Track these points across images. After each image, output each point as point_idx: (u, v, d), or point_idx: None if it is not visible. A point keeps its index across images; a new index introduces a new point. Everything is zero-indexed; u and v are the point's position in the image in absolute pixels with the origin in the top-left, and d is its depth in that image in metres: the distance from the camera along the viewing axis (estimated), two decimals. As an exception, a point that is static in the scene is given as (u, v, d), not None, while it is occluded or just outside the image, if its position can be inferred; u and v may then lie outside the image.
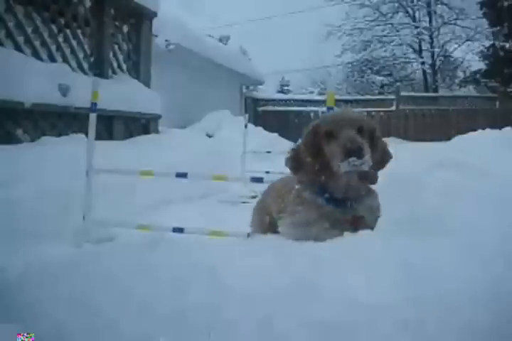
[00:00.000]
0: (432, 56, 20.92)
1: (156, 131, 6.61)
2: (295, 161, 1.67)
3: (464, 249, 1.28)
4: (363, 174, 1.56)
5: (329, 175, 1.57)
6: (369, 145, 1.54)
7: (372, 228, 1.60)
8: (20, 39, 4.51)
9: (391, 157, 1.69)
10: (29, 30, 4.60)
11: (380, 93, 21.87)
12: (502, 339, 1.07)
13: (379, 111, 14.95)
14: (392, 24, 20.93)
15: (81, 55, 5.39)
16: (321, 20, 20.22)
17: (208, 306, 1.10)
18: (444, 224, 1.46)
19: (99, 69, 5.62)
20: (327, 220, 1.58)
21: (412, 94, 17.15)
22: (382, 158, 1.66)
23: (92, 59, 5.60)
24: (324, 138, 1.57)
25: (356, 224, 1.58)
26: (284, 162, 1.69)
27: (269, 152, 6.99)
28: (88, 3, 5.48)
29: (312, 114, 14.94)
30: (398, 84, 21.46)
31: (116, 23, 6.08)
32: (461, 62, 21.53)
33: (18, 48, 4.45)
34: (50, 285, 1.26)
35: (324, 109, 2.55)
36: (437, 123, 14.21)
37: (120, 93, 5.40)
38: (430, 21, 20.60)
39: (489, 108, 14.15)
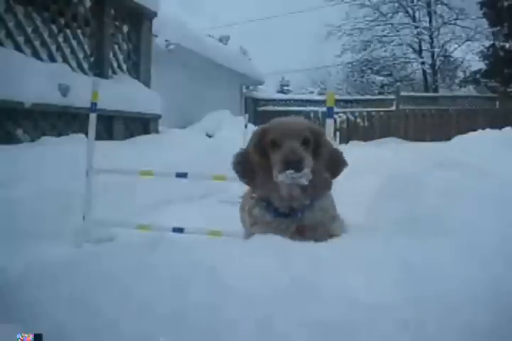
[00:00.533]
0: (432, 56, 20.92)
1: (156, 131, 6.61)
2: (241, 166, 1.65)
3: (464, 249, 1.28)
4: (309, 183, 1.53)
5: (273, 182, 1.56)
6: (315, 156, 1.55)
7: (325, 232, 1.59)
8: (20, 39, 4.52)
9: (345, 164, 1.66)
10: (29, 30, 4.60)
11: (380, 93, 21.87)
12: (502, 339, 1.07)
13: (379, 111, 14.95)
14: (392, 24, 20.93)
15: (81, 55, 5.39)
16: (321, 20, 20.24)
17: (208, 306, 1.10)
18: (444, 224, 1.46)
19: (99, 69, 5.62)
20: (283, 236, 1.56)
21: (412, 94, 17.15)
22: (334, 166, 1.63)
23: (92, 59, 5.60)
24: (269, 146, 1.57)
25: (302, 233, 1.58)
26: (232, 166, 1.68)
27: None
28: (88, 3, 5.48)
29: (312, 114, 14.93)
30: (398, 84, 21.47)
31: (116, 23, 6.08)
32: (461, 62, 21.53)
33: (18, 48, 4.45)
34: (50, 285, 1.26)
35: (324, 109, 2.55)
36: (437, 123, 14.21)
37: (120, 93, 5.41)
38: (430, 21, 20.60)
39: (489, 108, 14.15)
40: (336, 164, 1.64)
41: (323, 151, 1.60)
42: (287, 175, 1.46)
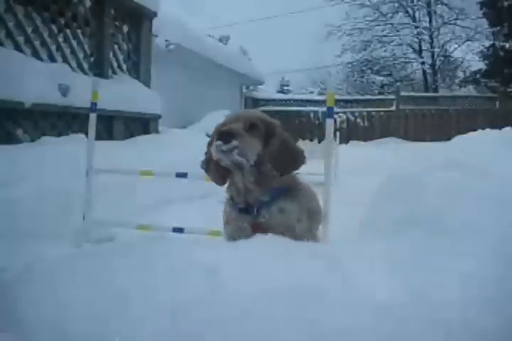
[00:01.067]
0: (432, 56, 20.93)
1: (156, 131, 6.60)
2: (206, 163, 1.68)
3: (464, 249, 1.28)
4: (259, 175, 1.55)
5: (231, 175, 1.59)
6: (266, 146, 1.54)
7: (284, 231, 1.54)
8: (20, 39, 4.51)
9: (301, 160, 1.63)
10: (29, 30, 4.60)
11: (380, 93, 21.87)
12: (502, 339, 1.07)
13: (379, 111, 14.95)
14: (392, 24, 20.95)
15: (81, 55, 5.39)
16: (321, 20, 20.28)
17: (207, 306, 1.10)
18: (444, 224, 1.46)
19: (99, 69, 5.62)
20: (243, 233, 1.56)
21: (412, 94, 17.15)
22: (289, 160, 1.59)
23: (92, 59, 5.60)
24: None
25: (257, 230, 1.55)
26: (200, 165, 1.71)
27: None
28: (88, 3, 5.48)
29: (312, 114, 14.93)
30: (398, 84, 21.47)
31: (116, 23, 6.08)
32: (461, 62, 21.54)
33: (18, 48, 4.45)
34: (50, 285, 1.26)
35: (324, 109, 2.55)
36: (437, 123, 14.21)
37: (120, 93, 5.40)
38: (430, 21, 20.62)
39: (489, 108, 14.15)
40: (291, 158, 1.60)
41: (274, 141, 1.58)
42: (217, 146, 1.45)
